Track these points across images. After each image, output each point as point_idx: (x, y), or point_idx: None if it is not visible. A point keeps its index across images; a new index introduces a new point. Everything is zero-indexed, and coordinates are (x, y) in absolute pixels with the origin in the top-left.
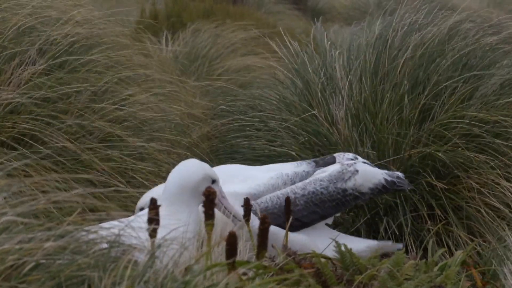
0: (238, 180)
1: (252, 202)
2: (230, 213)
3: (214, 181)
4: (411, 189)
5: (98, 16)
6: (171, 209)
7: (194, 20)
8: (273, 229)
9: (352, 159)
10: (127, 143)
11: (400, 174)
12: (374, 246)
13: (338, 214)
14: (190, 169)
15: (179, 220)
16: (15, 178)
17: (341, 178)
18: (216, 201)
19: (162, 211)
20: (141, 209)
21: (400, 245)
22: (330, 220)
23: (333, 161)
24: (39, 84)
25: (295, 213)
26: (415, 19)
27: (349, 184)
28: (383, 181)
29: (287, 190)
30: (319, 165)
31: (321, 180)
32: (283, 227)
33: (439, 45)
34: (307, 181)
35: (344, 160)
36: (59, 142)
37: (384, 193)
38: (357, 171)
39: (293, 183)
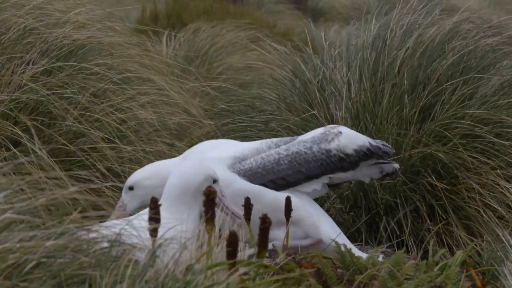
0: (224, 148)
1: (236, 164)
2: (230, 211)
3: (215, 181)
4: (412, 188)
5: (99, 16)
6: (172, 210)
7: (195, 19)
8: (258, 188)
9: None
10: (126, 144)
11: (385, 143)
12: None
13: (326, 181)
14: (191, 171)
15: (179, 221)
16: (14, 177)
17: (325, 139)
18: (217, 200)
19: (162, 212)
20: (130, 188)
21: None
22: (318, 185)
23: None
24: (38, 85)
25: (280, 172)
26: (415, 19)
27: (333, 145)
28: (367, 144)
29: (271, 151)
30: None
31: (304, 141)
32: (268, 187)
33: (439, 45)
34: (290, 143)
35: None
36: (58, 143)
37: (369, 157)
38: (340, 132)
39: (278, 147)
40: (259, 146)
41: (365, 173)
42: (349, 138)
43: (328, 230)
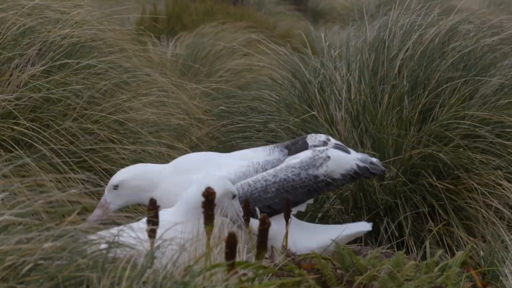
0: (210, 168)
1: None
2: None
3: (234, 196)
4: (412, 189)
5: (98, 17)
6: (185, 219)
7: (195, 21)
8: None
9: (324, 141)
10: (126, 145)
11: (374, 159)
12: (343, 237)
13: (310, 201)
14: (211, 184)
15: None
16: (13, 179)
17: (313, 164)
18: (235, 216)
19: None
20: (115, 186)
21: (369, 226)
22: (302, 207)
23: (305, 145)
24: (38, 86)
25: (267, 200)
26: (414, 20)
27: (321, 171)
28: (355, 167)
29: (258, 177)
30: (291, 151)
31: (292, 167)
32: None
33: (438, 46)
34: (278, 168)
35: (316, 142)
36: (58, 143)
37: (356, 178)
38: (328, 157)
39: (265, 170)
40: (245, 170)
41: None
42: (337, 163)
43: (303, 248)
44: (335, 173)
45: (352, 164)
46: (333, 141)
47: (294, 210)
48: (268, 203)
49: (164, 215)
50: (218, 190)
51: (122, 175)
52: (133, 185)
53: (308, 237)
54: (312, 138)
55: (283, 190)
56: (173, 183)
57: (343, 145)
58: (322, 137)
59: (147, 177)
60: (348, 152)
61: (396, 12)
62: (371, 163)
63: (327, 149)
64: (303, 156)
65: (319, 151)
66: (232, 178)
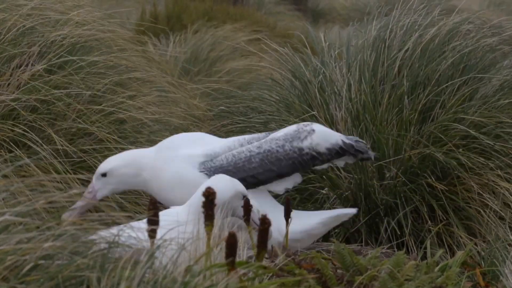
0: (196, 144)
1: (207, 162)
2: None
3: (244, 196)
4: (412, 189)
5: (98, 17)
6: (194, 221)
7: (194, 21)
8: None
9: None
10: (126, 145)
11: (359, 139)
12: (327, 218)
13: (298, 180)
14: (222, 186)
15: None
16: (13, 179)
17: (297, 137)
18: (252, 215)
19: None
20: (103, 174)
21: (354, 210)
22: (290, 184)
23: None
24: (38, 86)
25: (251, 170)
26: (415, 20)
27: (306, 143)
28: (340, 142)
29: (243, 148)
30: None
31: (277, 139)
32: None
33: (438, 46)
34: (263, 140)
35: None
36: (58, 143)
37: (342, 155)
38: (313, 130)
39: (250, 144)
40: (231, 144)
41: (340, 161)
42: (322, 136)
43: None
44: (320, 146)
45: (337, 139)
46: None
47: (281, 186)
48: (252, 173)
49: (171, 215)
50: (228, 192)
51: (111, 162)
52: (122, 172)
53: (292, 220)
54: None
55: (267, 160)
56: (158, 160)
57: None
58: (307, 123)
59: (135, 163)
60: None
61: (397, 12)
62: (357, 141)
63: (312, 123)
64: (287, 129)
65: (303, 124)
66: (217, 151)
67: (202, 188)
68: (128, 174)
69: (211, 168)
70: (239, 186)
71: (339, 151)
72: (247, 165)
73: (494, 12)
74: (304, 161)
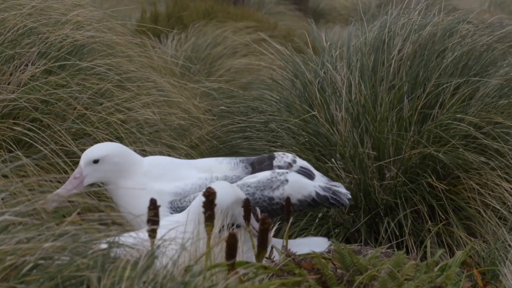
0: (169, 178)
1: (175, 201)
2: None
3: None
4: (412, 189)
5: (98, 17)
6: (195, 225)
7: (195, 21)
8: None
9: (290, 163)
10: (127, 145)
11: (341, 189)
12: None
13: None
14: (224, 192)
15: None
16: (13, 179)
17: (269, 186)
18: (252, 222)
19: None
20: (96, 161)
21: (325, 245)
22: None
23: (269, 167)
24: (38, 86)
25: None
26: (414, 19)
27: (277, 193)
28: (313, 194)
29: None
30: (255, 170)
31: (248, 186)
32: None
33: (438, 45)
34: (234, 185)
35: (282, 163)
36: (58, 143)
37: (315, 206)
38: (286, 180)
39: None
40: (202, 183)
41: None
42: (294, 188)
43: None
44: (292, 197)
45: (310, 191)
46: (299, 163)
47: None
48: None
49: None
50: (229, 198)
51: (105, 149)
52: (116, 161)
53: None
54: (279, 158)
55: None
56: (134, 182)
57: (309, 168)
58: (289, 157)
59: (129, 159)
60: (312, 176)
61: (396, 11)
62: (334, 192)
63: (287, 172)
64: (261, 176)
65: (278, 173)
66: (187, 189)
67: (199, 198)
68: (119, 166)
69: (177, 209)
70: (239, 192)
71: (311, 203)
72: None
73: (494, 11)
74: (274, 210)
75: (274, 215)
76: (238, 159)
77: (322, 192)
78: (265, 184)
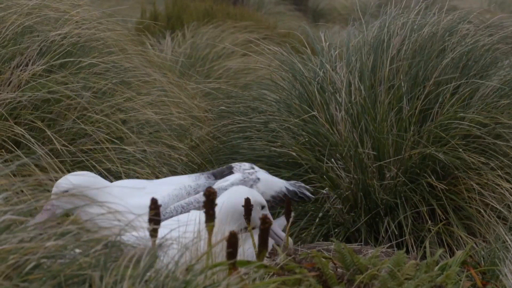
0: (144, 193)
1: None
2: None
3: (263, 207)
4: (412, 189)
5: (98, 16)
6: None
7: (195, 21)
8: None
9: (249, 169)
10: (127, 145)
11: (302, 184)
12: None
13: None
14: (243, 195)
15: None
16: (14, 178)
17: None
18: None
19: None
20: (66, 191)
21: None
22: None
23: (230, 173)
24: (38, 86)
25: None
26: (413, 19)
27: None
28: (284, 190)
29: (191, 199)
30: (217, 178)
31: (224, 189)
32: None
33: (438, 45)
34: (253, 190)
35: (240, 171)
36: (58, 143)
37: (283, 201)
38: (258, 179)
39: (197, 193)
40: (178, 193)
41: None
42: (266, 185)
43: None
44: (266, 194)
45: (281, 187)
46: (257, 169)
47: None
48: None
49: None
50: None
51: (74, 180)
52: (84, 192)
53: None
54: (237, 168)
55: None
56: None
57: (268, 173)
58: (246, 166)
59: (99, 186)
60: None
61: (396, 11)
62: (300, 187)
63: (256, 171)
64: (234, 178)
65: (248, 173)
66: (166, 201)
67: (223, 197)
68: (89, 193)
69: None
70: (258, 197)
71: (283, 198)
72: None
73: (494, 11)
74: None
75: (249, 214)
76: (198, 173)
77: (291, 188)
78: (239, 184)
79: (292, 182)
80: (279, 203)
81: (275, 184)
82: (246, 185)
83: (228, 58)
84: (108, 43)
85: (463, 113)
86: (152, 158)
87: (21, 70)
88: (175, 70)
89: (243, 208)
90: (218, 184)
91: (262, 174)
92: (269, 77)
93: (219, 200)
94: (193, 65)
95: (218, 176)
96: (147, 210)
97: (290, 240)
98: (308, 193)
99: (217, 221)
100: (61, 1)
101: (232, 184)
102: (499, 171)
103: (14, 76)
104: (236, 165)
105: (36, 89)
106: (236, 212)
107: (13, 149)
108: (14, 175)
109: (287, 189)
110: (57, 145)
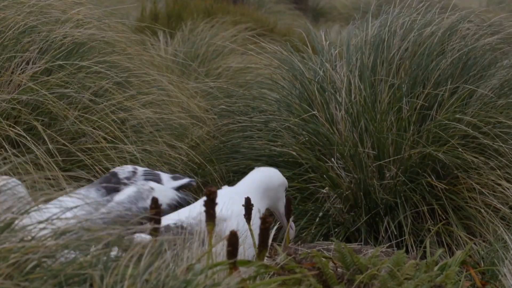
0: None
1: None
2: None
3: (286, 188)
4: (412, 188)
5: (98, 15)
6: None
7: (195, 19)
8: None
9: (133, 171)
10: (127, 144)
11: (185, 180)
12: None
13: None
14: (274, 174)
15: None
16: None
17: (141, 197)
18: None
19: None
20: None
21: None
22: None
23: (117, 181)
24: (38, 86)
25: None
26: (414, 19)
27: (149, 202)
28: (176, 197)
29: (92, 217)
30: (107, 189)
31: (122, 203)
32: None
33: (438, 45)
34: (109, 205)
35: (125, 174)
36: (58, 143)
37: (178, 207)
38: (152, 188)
39: (97, 210)
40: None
41: None
42: (161, 193)
43: None
44: (162, 202)
45: (173, 195)
46: (140, 169)
47: None
48: None
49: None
50: (280, 178)
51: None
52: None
53: None
54: (121, 171)
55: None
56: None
57: (151, 171)
58: (129, 167)
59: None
60: (157, 176)
61: (396, 10)
62: (186, 194)
63: (147, 181)
64: (128, 191)
65: (141, 183)
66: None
67: (256, 171)
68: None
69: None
70: (283, 177)
71: (176, 205)
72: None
73: (494, 10)
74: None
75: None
76: (87, 186)
77: (181, 195)
78: (136, 197)
79: (177, 183)
80: (173, 210)
81: (167, 192)
82: (142, 196)
83: (228, 57)
84: (109, 42)
85: (462, 113)
86: (152, 158)
87: (21, 70)
88: (175, 69)
89: (276, 184)
90: (115, 200)
91: (153, 183)
92: (269, 76)
93: (246, 179)
94: (193, 64)
95: (109, 188)
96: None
97: (292, 223)
98: (189, 197)
99: (249, 192)
100: (62, 0)
101: (129, 198)
102: (498, 171)
103: (14, 76)
104: (118, 170)
105: (36, 90)
106: (268, 187)
107: (12, 149)
108: (14, 174)
109: (178, 196)
110: (53, 145)
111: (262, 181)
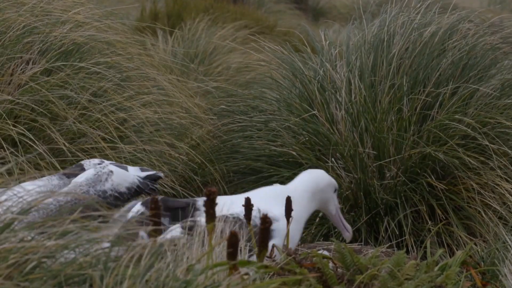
0: None
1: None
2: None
3: (335, 190)
4: (412, 188)
5: (98, 15)
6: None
7: (194, 19)
8: None
9: (98, 163)
10: (127, 144)
11: (154, 173)
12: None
13: None
14: (319, 175)
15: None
16: (13, 176)
17: (99, 180)
18: (334, 210)
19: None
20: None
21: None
22: None
23: (82, 169)
24: (38, 86)
25: None
26: (413, 18)
27: (108, 185)
28: (137, 181)
29: (50, 200)
30: (70, 177)
31: (80, 185)
32: None
33: (438, 44)
34: (66, 188)
35: (91, 166)
36: (59, 143)
37: (140, 193)
38: (111, 172)
39: (59, 188)
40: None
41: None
42: (120, 177)
43: None
44: (121, 186)
45: (133, 179)
46: (107, 162)
47: None
48: None
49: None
50: (329, 179)
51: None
52: None
53: None
54: (87, 163)
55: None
56: None
57: (118, 164)
58: (95, 160)
59: None
60: (126, 168)
61: (396, 10)
62: (151, 180)
63: (107, 164)
64: (87, 173)
65: (101, 167)
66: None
67: (305, 174)
68: None
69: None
70: (332, 178)
71: (137, 190)
72: (59, 215)
73: (494, 10)
74: (109, 203)
75: (109, 206)
76: (48, 176)
77: (142, 179)
78: (94, 179)
79: (143, 173)
80: (134, 195)
81: (128, 175)
82: (100, 179)
83: (228, 56)
84: (109, 42)
85: (462, 113)
86: (152, 157)
87: (21, 70)
88: (175, 69)
89: (325, 184)
90: (74, 182)
91: (114, 166)
92: (269, 75)
93: (296, 180)
94: (192, 63)
95: (71, 175)
96: None
97: (348, 226)
98: (157, 185)
99: (293, 199)
100: (62, 0)
101: (87, 180)
102: (498, 171)
103: (14, 76)
104: (86, 162)
105: (36, 90)
106: (317, 187)
107: (12, 149)
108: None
109: (139, 181)
110: (53, 145)
111: (310, 183)
